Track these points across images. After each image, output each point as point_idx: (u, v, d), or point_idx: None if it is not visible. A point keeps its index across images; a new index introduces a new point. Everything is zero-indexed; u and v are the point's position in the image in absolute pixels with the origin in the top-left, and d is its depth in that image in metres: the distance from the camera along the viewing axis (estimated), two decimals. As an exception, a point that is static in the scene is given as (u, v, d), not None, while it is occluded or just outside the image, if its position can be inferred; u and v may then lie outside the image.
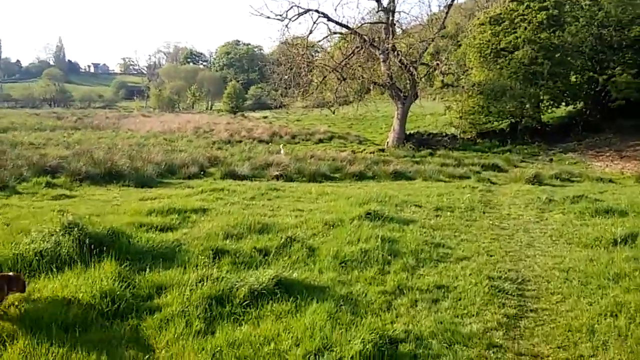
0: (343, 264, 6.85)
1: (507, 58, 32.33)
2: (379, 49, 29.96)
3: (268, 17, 29.67)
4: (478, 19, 35.30)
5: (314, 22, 29.47)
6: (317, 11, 29.41)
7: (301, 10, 29.45)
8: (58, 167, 15.45)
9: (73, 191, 13.39)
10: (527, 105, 32.99)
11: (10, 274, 5.66)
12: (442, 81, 33.48)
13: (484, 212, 11.36)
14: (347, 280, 6.45)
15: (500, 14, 33.78)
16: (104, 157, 16.66)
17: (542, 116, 35.31)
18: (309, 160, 20.97)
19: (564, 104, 34.24)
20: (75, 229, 6.81)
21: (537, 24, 31.30)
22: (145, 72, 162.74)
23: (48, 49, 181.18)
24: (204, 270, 6.09)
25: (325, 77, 30.78)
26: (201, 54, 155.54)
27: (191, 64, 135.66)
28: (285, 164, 18.59)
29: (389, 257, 7.05)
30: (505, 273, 6.96)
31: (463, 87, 31.52)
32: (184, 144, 29.50)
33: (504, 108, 32.24)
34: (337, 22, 29.78)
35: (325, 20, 29.87)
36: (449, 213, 10.89)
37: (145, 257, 6.65)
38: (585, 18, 32.12)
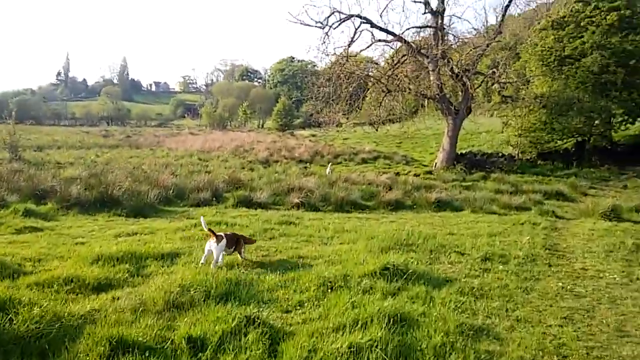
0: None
1: (573, 66, 28.82)
2: (427, 57, 27.23)
3: (307, 25, 27.46)
4: (539, 23, 31.90)
5: (356, 29, 27.11)
6: (359, 16, 27.07)
7: (343, 17, 27.20)
8: (50, 191, 13.67)
9: (53, 221, 11.52)
10: (597, 121, 29.25)
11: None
12: (500, 93, 30.22)
13: (549, 265, 8.46)
14: None
15: (564, 16, 30.33)
16: (103, 181, 14.82)
17: (613, 134, 31.36)
18: (341, 184, 18.49)
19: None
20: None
21: (607, 27, 27.73)
22: (202, 90, 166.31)
23: (112, 69, 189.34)
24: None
25: (367, 89, 28.24)
26: (256, 71, 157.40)
27: (246, 81, 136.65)
28: (311, 188, 16.19)
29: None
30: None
31: (523, 99, 28.21)
32: (217, 163, 27.77)
33: (570, 124, 28.65)
34: (380, 28, 27.27)
35: (368, 26, 27.47)
36: (501, 266, 8.07)
37: (14, 350, 4.37)
38: (666, 19, 28.26)
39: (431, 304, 5.99)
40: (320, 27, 27.41)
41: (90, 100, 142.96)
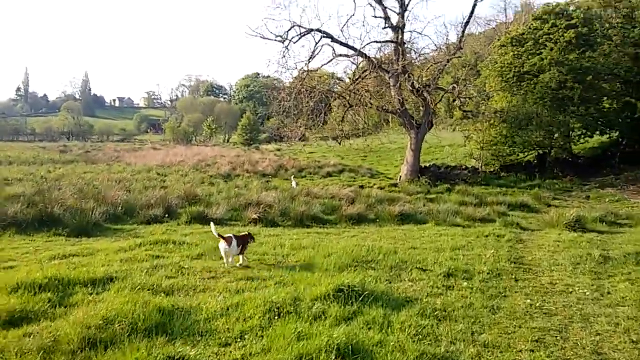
0: None
1: (531, 82, 29.16)
2: (388, 72, 27.03)
3: (267, 39, 26.93)
4: (499, 40, 32.23)
5: (316, 43, 26.72)
6: (320, 31, 26.68)
7: (303, 31, 26.78)
8: (-17, 211, 12.54)
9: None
10: (557, 135, 29.66)
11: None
12: (461, 108, 30.28)
13: (515, 280, 8.01)
14: None
15: (523, 33, 30.77)
16: (47, 198, 13.80)
17: (573, 147, 31.86)
18: (303, 198, 17.86)
19: (597, 133, 30.72)
20: None
21: (564, 44, 28.15)
22: (167, 106, 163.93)
23: (74, 84, 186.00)
24: None
25: (329, 104, 27.83)
26: (221, 86, 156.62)
27: (211, 97, 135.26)
28: (270, 203, 15.50)
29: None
30: None
31: (483, 113, 28.30)
32: (176, 178, 26.71)
33: (530, 138, 28.91)
34: (341, 43, 26.96)
35: (329, 41, 27.11)
36: (465, 282, 7.56)
37: None
38: (619, 37, 28.89)
39: (389, 329, 5.40)
40: (280, 41, 26.97)
41: (51, 115, 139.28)
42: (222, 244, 8.23)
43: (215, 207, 14.82)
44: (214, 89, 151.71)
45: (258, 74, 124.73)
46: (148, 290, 6.51)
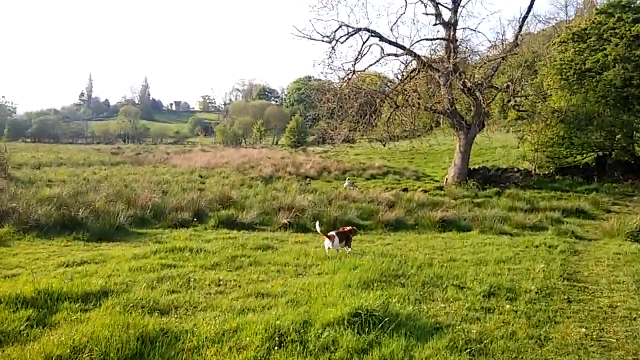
0: None
1: (594, 80, 27.07)
2: (438, 71, 25.76)
3: (314, 39, 26.12)
4: (558, 35, 30.23)
5: (364, 43, 25.75)
6: (368, 30, 25.68)
7: (351, 30, 25.84)
8: (12, 212, 12.36)
9: (4, 247, 10.20)
10: (619, 136, 27.44)
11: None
12: (515, 108, 28.57)
13: (568, 301, 6.87)
14: None
15: (586, 28, 28.64)
16: (77, 200, 13.58)
17: (636, 149, 29.44)
18: (340, 202, 17.01)
19: (664, 134, 28.23)
20: None
21: (631, 39, 25.97)
22: (221, 109, 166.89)
23: (134, 89, 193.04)
24: None
25: (375, 105, 26.75)
26: (273, 90, 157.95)
27: (263, 100, 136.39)
28: (304, 207, 14.74)
29: None
30: None
31: (540, 113, 26.53)
32: (216, 180, 26.43)
33: (590, 139, 26.90)
34: (390, 42, 25.85)
35: (377, 40, 26.08)
36: (507, 305, 6.49)
37: None
38: (691, 30, 26.41)
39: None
40: (327, 42, 26.15)
41: (111, 119, 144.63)
42: (327, 242, 9.46)
43: (247, 211, 14.19)
44: (266, 93, 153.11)
45: (310, 77, 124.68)
46: (142, 307, 5.84)
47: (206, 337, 4.99)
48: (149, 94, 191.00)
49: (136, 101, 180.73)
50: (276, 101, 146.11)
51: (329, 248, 9.43)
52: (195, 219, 13.79)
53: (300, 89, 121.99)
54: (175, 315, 5.78)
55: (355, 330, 5.16)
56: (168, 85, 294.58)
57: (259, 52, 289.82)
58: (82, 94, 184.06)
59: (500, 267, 8.70)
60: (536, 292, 7.09)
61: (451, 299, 6.70)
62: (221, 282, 7.23)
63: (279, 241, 11.27)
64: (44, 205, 12.88)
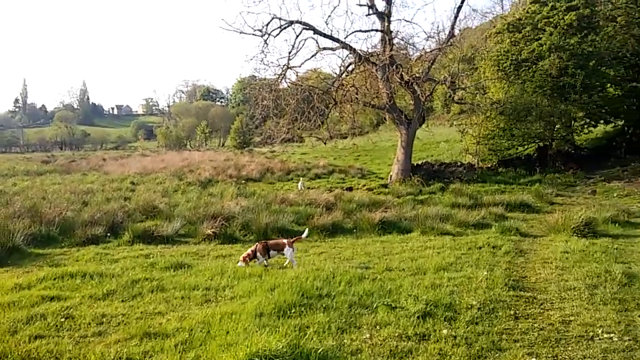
0: None
1: (530, 70, 27.04)
2: (375, 65, 24.98)
3: (244, 33, 24.73)
4: (494, 27, 30.12)
5: (297, 36, 24.66)
6: (300, 22, 24.62)
7: (283, 23, 24.69)
8: None
9: None
10: (558, 126, 27.65)
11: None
12: (454, 100, 28.26)
13: (515, 318, 5.96)
14: None
15: (520, 18, 28.60)
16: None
17: (576, 138, 29.79)
18: (277, 205, 15.86)
19: (601, 122, 28.54)
20: None
21: (565, 28, 26.04)
22: (165, 112, 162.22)
23: (72, 93, 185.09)
24: None
25: (312, 102, 25.71)
26: (218, 90, 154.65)
27: (207, 101, 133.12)
28: (233, 214, 13.49)
29: None
30: None
31: (479, 105, 26.23)
32: (148, 187, 24.63)
33: (530, 130, 26.87)
34: (324, 35, 24.89)
35: (311, 33, 25.06)
36: (445, 330, 5.48)
37: None
38: (624, 17, 26.75)
39: None
40: (259, 36, 24.87)
41: (47, 126, 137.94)
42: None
43: (168, 223, 12.79)
44: (211, 93, 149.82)
45: (254, 77, 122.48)
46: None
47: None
48: (88, 98, 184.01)
49: (75, 106, 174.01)
50: (221, 102, 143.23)
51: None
52: (108, 234, 12.29)
53: (245, 89, 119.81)
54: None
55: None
56: (109, 88, 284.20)
57: (203, 53, 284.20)
58: (16, 101, 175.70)
59: (440, 276, 7.78)
60: (478, 308, 6.15)
61: (380, 324, 5.65)
62: (105, 319, 5.91)
63: (198, 257, 10.01)
64: None
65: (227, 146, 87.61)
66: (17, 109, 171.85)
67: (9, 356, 4.79)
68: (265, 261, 8.95)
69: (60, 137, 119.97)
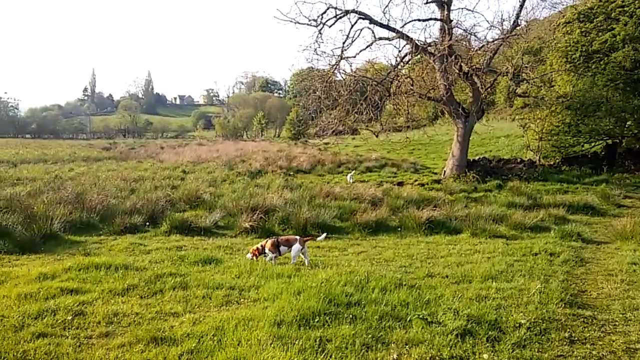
0: None
1: (601, 62, 25.14)
2: (433, 55, 23.90)
3: (300, 23, 24.19)
4: (564, 16, 28.23)
5: (352, 25, 23.90)
6: (356, 12, 23.83)
7: (339, 13, 23.98)
8: None
9: None
10: (630, 122, 25.60)
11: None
12: (517, 93, 26.70)
13: (570, 342, 5.15)
14: None
15: (592, 7, 26.62)
16: (21, 203, 11.99)
17: (649, 135, 27.54)
18: (322, 199, 15.33)
19: (679, 118, 26.22)
20: None
21: (642, 17, 23.99)
22: (224, 103, 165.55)
23: (137, 83, 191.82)
24: None
25: (366, 93, 24.91)
26: (276, 82, 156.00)
27: (265, 92, 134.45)
28: (274, 207, 13.07)
29: None
30: None
31: (543, 98, 24.64)
32: (198, 176, 24.72)
33: (598, 126, 25.04)
34: (381, 24, 24.01)
35: (367, 23, 24.23)
36: (486, 354, 4.76)
37: None
38: None
39: None
40: (314, 26, 24.28)
41: (112, 114, 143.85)
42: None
43: (208, 214, 12.53)
44: (269, 85, 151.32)
45: (312, 68, 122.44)
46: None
47: None
48: (152, 88, 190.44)
49: (140, 95, 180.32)
50: (279, 93, 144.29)
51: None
52: (147, 224, 12.14)
53: (303, 81, 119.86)
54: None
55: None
56: (172, 79, 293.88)
57: (264, 44, 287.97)
58: (85, 89, 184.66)
59: (487, 286, 6.99)
60: (528, 328, 5.37)
61: (412, 342, 4.99)
62: (116, 318, 5.57)
63: (232, 251, 9.64)
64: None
65: (282, 137, 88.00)
66: (85, 97, 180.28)
67: (4, 357, 4.49)
68: (274, 257, 8.58)
69: (123, 125, 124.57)
